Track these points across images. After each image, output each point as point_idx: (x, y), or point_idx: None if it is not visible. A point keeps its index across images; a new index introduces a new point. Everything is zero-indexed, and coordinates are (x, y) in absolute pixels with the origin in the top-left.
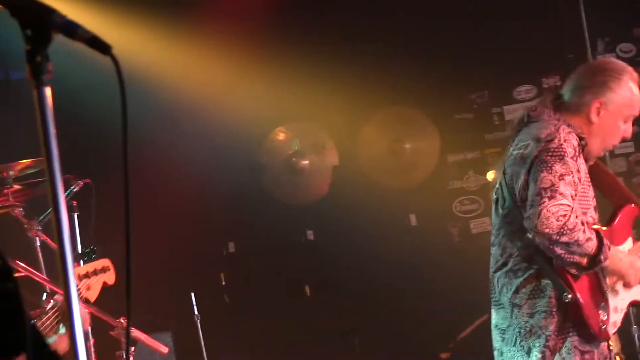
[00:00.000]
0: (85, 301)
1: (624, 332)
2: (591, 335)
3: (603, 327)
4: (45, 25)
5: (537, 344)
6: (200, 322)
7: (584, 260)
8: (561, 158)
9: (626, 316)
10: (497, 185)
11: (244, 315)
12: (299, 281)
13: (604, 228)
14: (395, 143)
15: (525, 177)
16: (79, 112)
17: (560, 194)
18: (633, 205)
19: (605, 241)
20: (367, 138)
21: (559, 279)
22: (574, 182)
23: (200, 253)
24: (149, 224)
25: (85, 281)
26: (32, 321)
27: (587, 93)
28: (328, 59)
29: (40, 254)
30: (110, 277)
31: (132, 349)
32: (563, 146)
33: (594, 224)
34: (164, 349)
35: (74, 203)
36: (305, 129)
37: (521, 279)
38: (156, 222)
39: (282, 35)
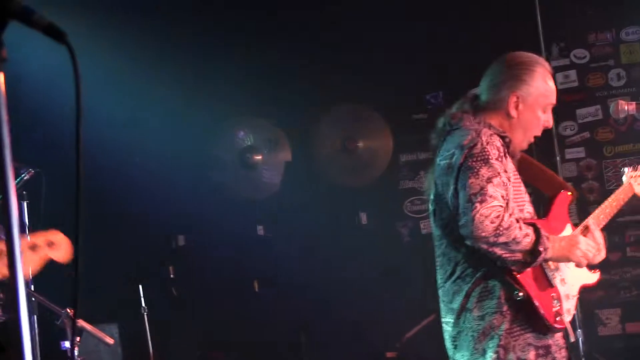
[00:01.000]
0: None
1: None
2: (547, 327)
3: (558, 317)
4: (0, 11)
5: (491, 345)
6: (147, 314)
7: (526, 256)
8: (486, 162)
9: (570, 322)
10: (431, 197)
11: (191, 309)
12: (247, 276)
13: (541, 220)
14: (349, 141)
15: (455, 186)
16: (30, 100)
17: (490, 196)
18: (566, 191)
19: (543, 232)
20: (320, 135)
21: (507, 278)
22: (503, 183)
23: (149, 245)
24: (99, 214)
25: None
26: None
27: (503, 88)
28: (285, 55)
29: None
30: (58, 254)
31: (78, 339)
32: (486, 149)
33: (531, 218)
34: (110, 340)
35: (24, 192)
36: (259, 124)
37: (470, 283)
38: (106, 212)
39: (237, 30)
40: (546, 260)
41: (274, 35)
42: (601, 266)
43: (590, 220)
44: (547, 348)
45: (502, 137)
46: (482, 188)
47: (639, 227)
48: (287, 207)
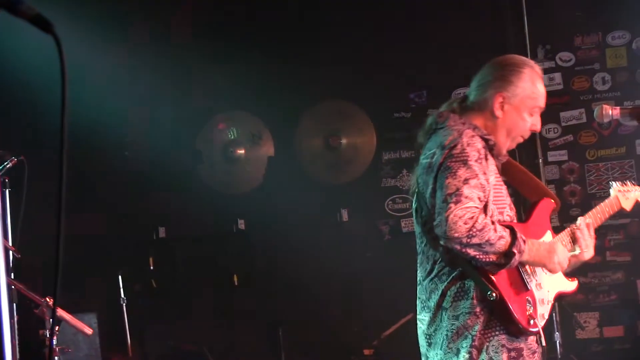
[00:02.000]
0: None
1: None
2: (519, 330)
3: (531, 320)
4: None
5: (464, 345)
6: (125, 305)
7: (500, 258)
8: (465, 163)
9: (549, 322)
10: (414, 195)
11: (170, 301)
12: (227, 270)
13: (520, 224)
14: (332, 137)
15: (433, 185)
16: (15, 89)
17: (466, 197)
18: (549, 199)
19: (519, 235)
20: (304, 130)
21: (481, 278)
22: (481, 185)
23: (130, 236)
24: (81, 204)
25: None
26: None
27: (490, 88)
28: (269, 50)
29: None
30: None
31: (56, 328)
32: (466, 151)
33: (511, 221)
34: (88, 330)
35: (6, 179)
36: (242, 118)
37: (446, 282)
38: (88, 202)
39: (223, 23)
40: (522, 264)
41: (259, 30)
42: (580, 270)
43: (579, 220)
44: (520, 351)
45: (486, 140)
46: (458, 189)
47: (618, 232)
48: (268, 202)
